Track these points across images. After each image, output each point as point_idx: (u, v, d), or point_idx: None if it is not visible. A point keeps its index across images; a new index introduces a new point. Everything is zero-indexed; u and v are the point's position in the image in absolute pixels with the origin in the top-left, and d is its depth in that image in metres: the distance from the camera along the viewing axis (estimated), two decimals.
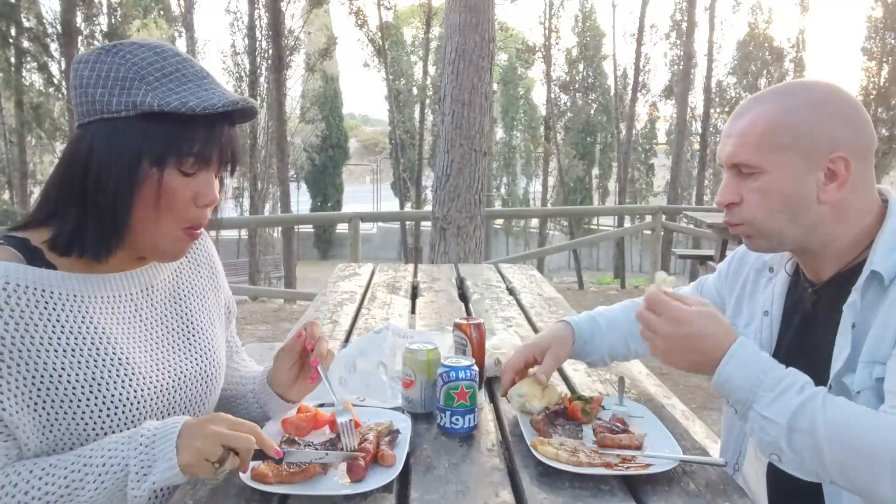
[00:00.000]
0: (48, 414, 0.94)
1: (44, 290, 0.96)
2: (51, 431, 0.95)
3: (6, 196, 15.65)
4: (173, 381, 1.08)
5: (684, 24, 18.88)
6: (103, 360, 0.99)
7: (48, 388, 0.94)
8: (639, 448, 1.12)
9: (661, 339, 1.06)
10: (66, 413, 0.95)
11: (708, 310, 1.05)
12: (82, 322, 0.99)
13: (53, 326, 0.96)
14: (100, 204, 0.97)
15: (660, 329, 1.05)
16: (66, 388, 0.95)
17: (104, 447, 0.93)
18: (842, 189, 1.06)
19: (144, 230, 1.01)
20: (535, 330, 1.96)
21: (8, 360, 0.91)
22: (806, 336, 1.16)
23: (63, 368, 0.95)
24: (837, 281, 1.11)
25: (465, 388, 1.20)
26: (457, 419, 1.21)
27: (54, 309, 0.97)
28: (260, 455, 0.96)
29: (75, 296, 1.00)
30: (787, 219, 1.09)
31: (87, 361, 0.98)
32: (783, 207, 1.08)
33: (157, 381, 1.05)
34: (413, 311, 2.21)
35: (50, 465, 0.91)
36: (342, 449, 1.08)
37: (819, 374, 1.06)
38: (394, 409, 1.31)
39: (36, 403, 0.93)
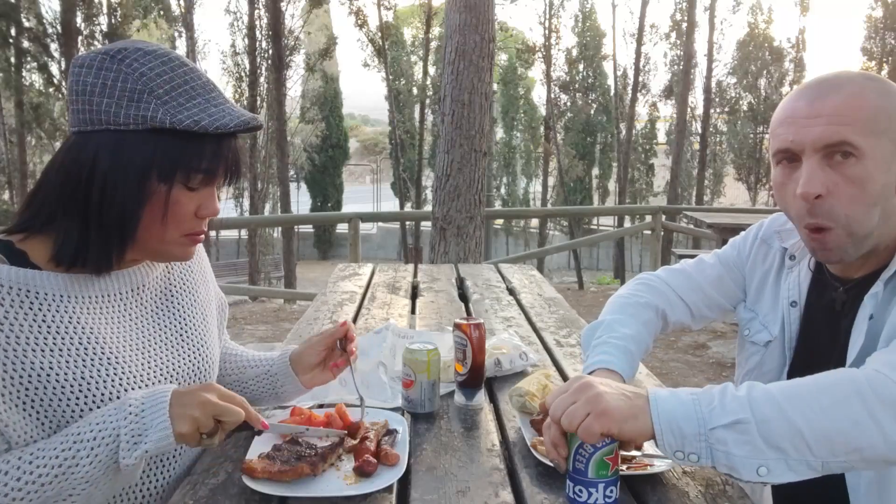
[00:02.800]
0: (37, 413, 0.93)
1: (28, 291, 0.95)
2: (42, 431, 0.94)
3: (6, 196, 15.65)
4: (166, 379, 1.08)
5: (684, 24, 18.90)
6: (91, 359, 0.99)
7: (36, 388, 0.93)
8: (639, 448, 1.11)
9: (599, 400, 0.91)
10: (55, 412, 0.94)
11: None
12: (69, 322, 0.98)
13: (39, 326, 0.95)
14: (105, 218, 0.96)
15: (584, 395, 0.92)
16: (54, 388, 0.94)
17: (91, 422, 0.92)
18: None
19: (148, 241, 1.02)
20: (536, 330, 1.95)
21: None
22: (833, 333, 1.12)
23: (51, 367, 0.94)
24: (868, 280, 1.06)
25: (616, 450, 0.95)
26: (611, 491, 0.94)
27: (39, 309, 0.96)
28: (245, 427, 0.99)
29: (61, 296, 0.98)
30: (878, 214, 1.00)
31: (76, 361, 0.97)
32: (877, 199, 0.99)
33: (148, 379, 1.05)
34: (413, 311, 2.21)
35: (38, 450, 0.91)
36: (343, 452, 1.08)
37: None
38: (394, 409, 1.31)
39: (25, 403, 0.92)
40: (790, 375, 1.18)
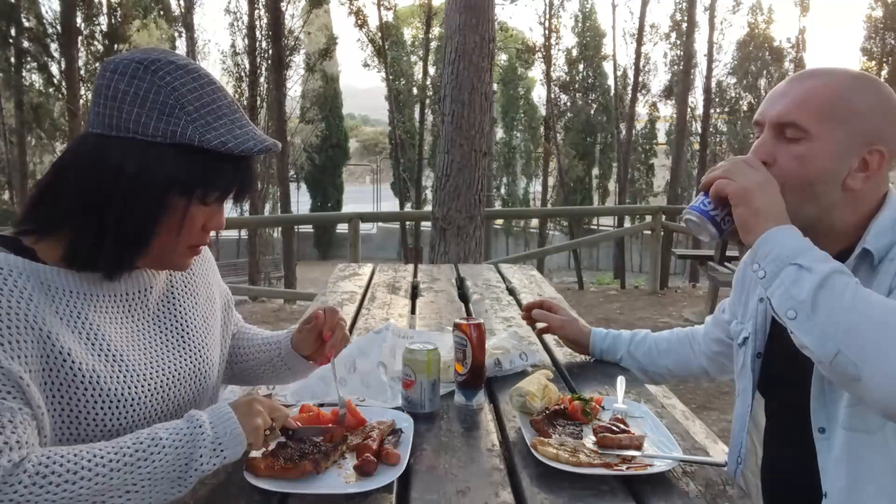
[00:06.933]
0: (50, 399, 0.94)
1: (42, 282, 0.97)
2: (53, 416, 0.95)
3: (6, 196, 15.65)
4: (168, 379, 1.09)
5: (684, 24, 18.90)
6: (100, 355, 1.00)
7: (52, 369, 0.94)
8: (639, 448, 1.12)
9: (749, 173, 1.03)
10: (62, 398, 0.95)
11: None
12: (78, 318, 0.99)
13: (54, 315, 0.96)
14: (123, 226, 0.98)
15: (751, 165, 1.05)
16: (67, 373, 0.95)
17: (163, 427, 0.96)
18: (868, 181, 1.07)
19: (157, 251, 1.04)
20: (535, 329, 1.95)
21: (25, 333, 0.91)
22: None
23: (69, 353, 0.96)
24: None
25: None
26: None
27: (53, 300, 0.97)
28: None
29: (71, 292, 1.00)
30: (810, 195, 1.07)
31: (88, 354, 0.98)
32: (814, 180, 1.07)
33: (152, 379, 1.06)
34: (413, 311, 2.21)
35: (113, 442, 0.93)
36: (346, 450, 1.09)
37: (810, 361, 1.07)
38: (394, 409, 1.31)
39: (44, 383, 0.93)
40: (763, 367, 1.23)
